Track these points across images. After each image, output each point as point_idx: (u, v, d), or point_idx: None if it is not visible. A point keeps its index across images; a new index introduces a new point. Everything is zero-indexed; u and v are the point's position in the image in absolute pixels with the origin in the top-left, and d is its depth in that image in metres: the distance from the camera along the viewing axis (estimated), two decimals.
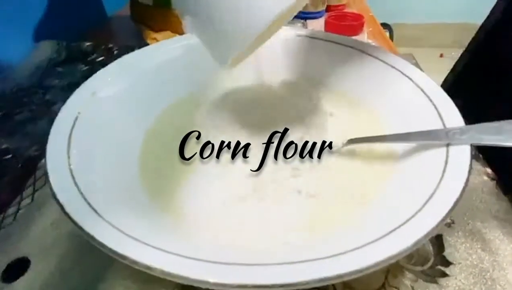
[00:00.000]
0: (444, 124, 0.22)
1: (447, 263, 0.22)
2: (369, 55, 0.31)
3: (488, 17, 0.39)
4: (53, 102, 0.39)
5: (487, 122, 0.20)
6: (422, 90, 0.26)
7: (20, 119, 0.36)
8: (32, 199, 0.27)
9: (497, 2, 0.39)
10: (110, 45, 0.51)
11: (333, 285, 0.21)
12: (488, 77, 0.39)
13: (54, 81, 0.43)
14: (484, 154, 0.30)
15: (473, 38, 0.41)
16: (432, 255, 0.22)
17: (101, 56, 0.49)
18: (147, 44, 0.48)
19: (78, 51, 0.50)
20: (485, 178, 0.27)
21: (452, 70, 0.45)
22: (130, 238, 0.16)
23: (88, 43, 0.51)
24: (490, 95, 0.37)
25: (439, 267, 0.21)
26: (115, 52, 0.50)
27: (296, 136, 0.28)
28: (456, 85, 0.43)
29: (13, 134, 0.34)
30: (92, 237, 0.15)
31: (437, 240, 0.23)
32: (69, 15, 0.57)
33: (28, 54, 0.48)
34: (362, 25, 0.54)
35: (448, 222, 0.24)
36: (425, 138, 0.22)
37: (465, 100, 0.25)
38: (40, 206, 0.26)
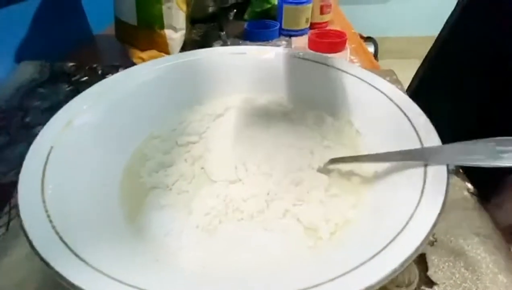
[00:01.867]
0: (421, 143, 0.23)
1: (431, 284, 0.21)
2: (350, 74, 0.32)
3: (443, 26, 0.42)
4: (33, 125, 0.38)
5: (463, 141, 0.21)
6: (401, 109, 0.26)
7: None
8: (7, 229, 0.26)
9: (452, 12, 0.42)
10: (94, 65, 0.50)
11: None
12: (445, 81, 0.42)
13: (36, 103, 0.43)
14: (464, 168, 0.30)
15: (432, 46, 0.44)
16: (417, 275, 0.22)
17: (85, 76, 0.48)
18: (133, 64, 0.48)
19: (62, 71, 0.50)
20: (466, 193, 0.28)
21: (414, 77, 0.47)
22: (105, 276, 0.15)
23: (71, 64, 0.51)
24: (446, 100, 0.39)
25: (424, 287, 0.21)
26: (100, 71, 0.49)
27: (278, 156, 0.28)
28: (418, 90, 0.45)
29: None
30: (62, 276, 0.14)
31: (421, 260, 0.23)
32: (53, 35, 0.56)
33: (9, 75, 0.48)
34: (344, 42, 0.55)
35: (431, 240, 0.24)
36: (403, 158, 0.22)
37: (425, 105, 0.26)
38: (15, 237, 0.25)
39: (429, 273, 0.22)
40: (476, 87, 0.37)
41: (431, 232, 0.16)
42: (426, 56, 0.46)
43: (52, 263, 0.15)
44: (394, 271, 0.15)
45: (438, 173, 0.20)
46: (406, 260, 0.15)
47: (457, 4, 0.42)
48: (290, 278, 0.17)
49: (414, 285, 0.21)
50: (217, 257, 0.20)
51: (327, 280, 0.15)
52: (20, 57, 0.51)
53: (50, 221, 0.17)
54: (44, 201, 0.18)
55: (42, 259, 0.15)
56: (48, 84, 0.47)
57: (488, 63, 0.35)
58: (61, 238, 0.16)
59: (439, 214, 0.17)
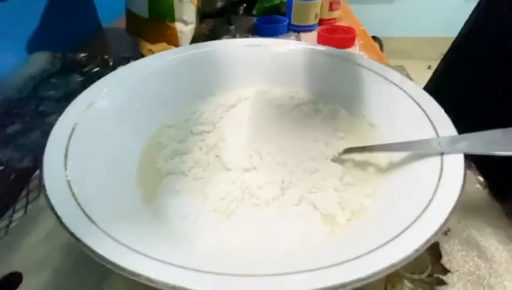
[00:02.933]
0: (437, 134, 0.23)
1: (445, 271, 0.22)
2: (364, 67, 0.32)
3: (463, 27, 0.42)
4: (47, 114, 0.39)
5: (479, 131, 0.21)
6: (415, 101, 0.26)
7: (13, 131, 0.36)
8: (25, 212, 0.26)
9: (470, 15, 0.42)
10: (106, 56, 0.51)
11: None
12: (463, 80, 0.42)
13: (49, 92, 0.43)
14: (476, 162, 0.30)
15: (450, 47, 0.45)
16: (430, 263, 0.22)
17: (96, 67, 0.49)
18: (143, 56, 0.48)
19: (73, 62, 0.50)
20: (478, 186, 0.28)
21: (432, 76, 0.48)
22: (129, 249, 0.15)
23: (83, 54, 0.51)
24: (465, 97, 0.40)
25: (437, 275, 0.22)
26: (111, 63, 0.50)
27: (292, 146, 0.28)
28: (436, 89, 0.46)
29: (5, 146, 0.33)
30: (91, 249, 0.15)
31: (434, 249, 0.23)
32: (64, 26, 0.57)
33: (22, 65, 0.48)
34: (354, 38, 0.56)
35: (445, 230, 0.24)
36: (419, 148, 0.23)
37: (443, 103, 0.26)
38: (33, 219, 0.25)
39: (443, 261, 0.22)
40: (496, 82, 0.37)
41: (449, 219, 0.17)
42: (445, 54, 0.46)
43: (81, 237, 0.15)
44: (409, 256, 0.15)
45: (455, 162, 0.20)
46: (421, 246, 0.16)
47: (478, 3, 0.42)
48: (307, 260, 0.18)
49: (428, 273, 0.22)
50: (234, 241, 0.21)
51: (342, 261, 0.15)
52: (32, 48, 0.51)
53: (75, 199, 0.17)
54: (68, 180, 0.18)
55: (70, 233, 0.15)
56: (60, 74, 0.47)
57: (509, 57, 0.35)
58: (86, 214, 0.16)
59: (457, 202, 0.18)
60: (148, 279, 0.14)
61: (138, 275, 0.14)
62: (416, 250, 0.15)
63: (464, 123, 0.25)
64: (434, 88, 0.49)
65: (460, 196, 0.18)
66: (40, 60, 0.49)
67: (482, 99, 0.38)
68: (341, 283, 0.14)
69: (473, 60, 0.41)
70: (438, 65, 0.48)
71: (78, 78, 0.47)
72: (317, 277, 0.14)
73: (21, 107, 0.40)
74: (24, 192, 0.27)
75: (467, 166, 0.30)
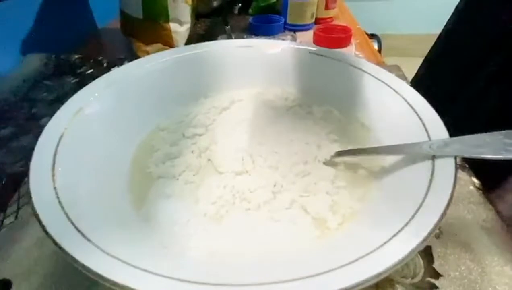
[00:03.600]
0: (429, 136, 0.23)
1: (437, 275, 0.22)
2: (358, 68, 0.32)
3: (446, 25, 0.43)
4: (40, 116, 0.39)
5: (470, 134, 0.21)
6: (408, 103, 0.26)
7: (5, 134, 0.35)
8: (16, 217, 0.26)
9: (454, 11, 0.42)
10: (100, 58, 0.50)
11: None
12: (445, 77, 0.43)
13: (42, 95, 0.43)
14: (470, 164, 0.30)
15: (434, 43, 0.45)
16: (422, 267, 0.22)
17: (90, 69, 0.49)
18: (138, 57, 0.48)
19: (67, 63, 0.50)
20: (472, 188, 0.28)
21: (422, 63, 0.48)
22: (116, 259, 0.15)
23: (77, 56, 0.51)
24: (447, 94, 0.40)
25: (429, 279, 0.22)
26: (105, 64, 0.49)
27: (285, 149, 0.28)
28: (424, 76, 0.46)
29: None
30: (76, 260, 0.15)
31: (426, 252, 0.23)
32: (58, 28, 0.56)
33: (16, 67, 0.48)
34: (350, 37, 0.55)
35: (437, 233, 0.24)
36: (411, 151, 0.22)
37: (429, 86, 0.26)
38: (24, 224, 0.25)
39: (435, 265, 0.22)
40: (484, 69, 0.37)
41: (439, 222, 0.17)
42: (434, 43, 0.46)
43: (66, 248, 0.15)
44: (401, 260, 0.15)
45: (446, 165, 0.20)
46: (412, 251, 0.16)
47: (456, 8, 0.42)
48: (297, 266, 0.17)
49: (420, 277, 0.22)
50: (225, 246, 0.21)
51: (333, 268, 0.15)
52: (26, 49, 0.51)
53: (62, 207, 0.17)
54: (55, 187, 0.18)
55: (55, 242, 0.15)
56: (54, 76, 0.47)
57: (496, 42, 0.35)
58: (73, 223, 0.16)
59: (447, 206, 0.17)
60: None
61: (126, 287, 0.14)
62: (404, 258, 0.15)
63: (450, 114, 0.25)
64: (422, 75, 0.49)
65: (450, 200, 0.17)
66: (34, 62, 0.49)
67: (468, 89, 0.38)
68: None
69: (461, 44, 0.42)
70: (426, 56, 0.49)
71: (72, 80, 0.46)
72: (305, 286, 0.14)
73: (14, 110, 0.40)
74: (15, 197, 0.27)
75: (461, 167, 0.30)
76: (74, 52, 0.53)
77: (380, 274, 0.15)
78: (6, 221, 0.26)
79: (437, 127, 0.23)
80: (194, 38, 0.55)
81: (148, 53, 0.51)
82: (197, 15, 0.58)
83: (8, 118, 0.38)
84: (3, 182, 0.29)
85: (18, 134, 0.36)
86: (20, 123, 0.38)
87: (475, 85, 0.37)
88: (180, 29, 0.51)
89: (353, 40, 0.56)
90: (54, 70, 0.48)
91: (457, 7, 0.43)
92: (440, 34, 0.45)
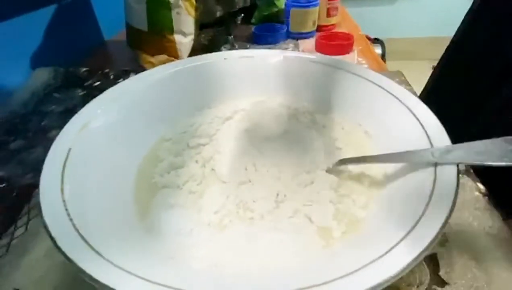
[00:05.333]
0: (431, 144, 0.23)
1: (443, 283, 0.22)
2: (359, 76, 0.32)
3: (457, 30, 0.42)
4: (49, 128, 0.40)
5: (472, 141, 0.21)
6: (410, 110, 0.26)
7: (15, 147, 0.36)
8: (26, 229, 0.27)
9: (464, 16, 0.42)
10: (107, 70, 0.52)
11: None
12: (458, 83, 0.42)
13: (51, 107, 0.44)
14: (475, 169, 0.30)
15: (445, 50, 0.45)
16: (428, 275, 0.22)
17: (97, 81, 0.50)
18: (144, 68, 0.49)
19: (75, 76, 0.51)
20: (477, 193, 0.28)
21: (429, 80, 0.48)
22: (124, 272, 0.15)
23: (84, 69, 0.52)
24: (458, 104, 0.40)
25: (435, 287, 0.21)
26: (111, 76, 0.51)
27: (288, 158, 0.28)
28: (431, 93, 0.46)
29: (7, 162, 0.34)
30: (85, 272, 0.15)
31: (432, 260, 0.23)
32: (66, 41, 0.58)
33: (25, 80, 0.49)
34: (352, 44, 0.56)
35: (442, 240, 0.24)
36: (413, 159, 0.22)
37: (439, 107, 0.26)
38: (34, 236, 0.26)
39: (441, 273, 0.22)
40: (485, 93, 0.37)
41: (441, 231, 0.17)
42: (440, 59, 0.46)
43: (75, 260, 0.15)
44: (404, 269, 0.15)
45: (448, 173, 0.20)
46: (415, 259, 0.16)
47: (469, 10, 0.42)
48: (301, 275, 0.18)
49: (426, 285, 0.21)
50: (229, 255, 0.21)
51: (336, 277, 0.15)
52: (35, 63, 0.52)
53: (71, 220, 0.18)
54: (64, 201, 0.19)
55: (65, 255, 0.15)
56: (62, 89, 0.48)
57: (495, 71, 0.35)
58: (81, 236, 0.17)
59: (450, 214, 0.17)
60: None
61: None
62: (406, 267, 0.15)
63: (459, 128, 0.25)
64: (429, 92, 0.49)
65: (452, 208, 0.17)
66: (43, 75, 0.51)
67: (475, 105, 0.38)
68: None
69: (468, 58, 0.41)
70: (436, 67, 0.48)
71: (80, 92, 0.48)
72: None
73: (24, 122, 0.41)
74: (25, 209, 0.28)
75: (465, 173, 0.30)
76: (81, 64, 0.54)
77: (382, 283, 0.15)
78: (17, 233, 0.26)
79: (439, 134, 0.23)
80: (198, 48, 0.56)
81: (153, 64, 0.52)
82: (200, 26, 0.59)
83: (18, 130, 0.39)
84: (14, 194, 0.30)
85: (28, 146, 0.37)
86: (30, 135, 0.39)
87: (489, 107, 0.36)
88: (184, 40, 0.53)
89: (355, 47, 0.56)
90: (62, 83, 0.49)
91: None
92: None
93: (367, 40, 0.65)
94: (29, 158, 0.35)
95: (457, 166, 0.20)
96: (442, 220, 0.17)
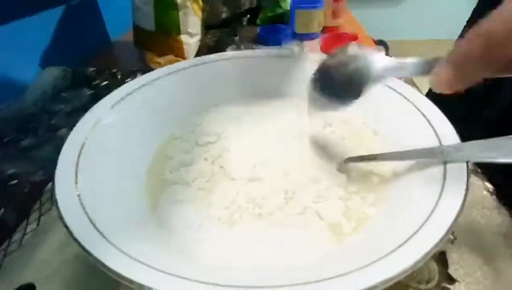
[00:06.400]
0: (440, 142, 0.23)
1: (452, 281, 0.22)
2: None
3: (461, 32, 0.43)
4: (58, 127, 0.40)
5: (482, 139, 0.21)
6: (418, 108, 0.27)
7: (26, 145, 0.37)
8: (38, 224, 0.27)
9: (468, 18, 0.42)
10: (114, 70, 0.52)
11: None
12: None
13: (60, 106, 0.45)
14: (483, 168, 0.30)
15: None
16: (437, 272, 0.22)
17: (105, 81, 0.50)
18: (151, 68, 0.49)
19: (83, 76, 0.52)
20: (485, 192, 0.28)
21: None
22: (137, 262, 0.16)
23: (92, 68, 0.53)
24: (465, 102, 0.40)
25: (444, 284, 0.21)
26: (119, 76, 0.51)
27: (296, 155, 0.28)
28: (437, 94, 0.46)
29: (18, 160, 0.34)
30: (100, 262, 0.15)
31: (441, 257, 0.23)
32: (73, 41, 0.59)
33: (34, 80, 0.50)
34: None
35: (451, 238, 0.24)
36: (421, 156, 0.23)
37: (444, 107, 0.26)
38: (46, 231, 0.26)
39: (450, 270, 0.22)
40: (489, 92, 0.37)
41: (451, 228, 0.17)
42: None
43: (92, 251, 0.15)
44: (412, 266, 0.15)
45: (458, 171, 0.20)
46: (424, 256, 0.16)
47: (473, 12, 0.42)
48: (311, 270, 0.18)
49: (435, 282, 0.22)
50: (239, 251, 0.21)
51: (344, 273, 0.16)
52: (44, 62, 0.53)
53: (85, 212, 0.18)
54: (78, 194, 0.19)
55: (81, 247, 0.16)
56: (71, 88, 0.49)
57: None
58: (95, 226, 0.17)
59: (460, 211, 0.18)
60: None
61: (145, 287, 0.15)
62: (415, 263, 0.15)
63: (470, 125, 0.25)
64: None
65: (462, 206, 0.18)
66: (52, 75, 0.51)
67: (483, 103, 0.38)
68: None
69: None
70: None
71: (88, 92, 0.48)
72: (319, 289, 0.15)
73: (34, 121, 0.42)
74: (37, 205, 0.28)
75: (473, 172, 0.30)
76: (89, 64, 0.55)
77: (390, 279, 0.15)
78: (29, 228, 0.27)
79: (448, 132, 0.23)
80: (204, 49, 0.57)
81: (160, 64, 0.52)
82: (206, 27, 0.60)
83: (28, 129, 0.40)
84: (26, 190, 0.30)
85: (37, 144, 0.37)
86: (40, 134, 0.39)
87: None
88: (190, 41, 0.53)
89: None
90: (71, 83, 0.50)
91: None
92: None
93: (372, 41, 0.65)
94: (39, 156, 0.35)
95: (467, 163, 0.20)
96: (453, 217, 0.17)
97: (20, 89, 0.47)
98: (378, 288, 0.15)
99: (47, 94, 0.47)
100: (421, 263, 0.15)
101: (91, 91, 0.48)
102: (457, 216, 0.17)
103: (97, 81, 0.50)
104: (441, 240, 0.16)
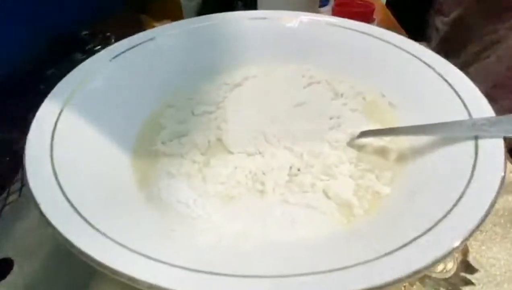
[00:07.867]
0: (470, 115, 0.20)
1: (472, 270, 0.19)
2: (383, 40, 0.29)
3: None
4: (47, 92, 0.37)
5: None
6: (444, 78, 0.23)
7: (12, 110, 0.35)
8: (20, 195, 0.25)
9: None
10: (108, 34, 0.49)
11: None
12: None
13: (50, 71, 0.42)
14: (509, 149, 0.27)
15: None
16: (456, 261, 0.20)
17: (98, 45, 0.47)
18: None
19: (76, 40, 0.48)
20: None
21: None
22: (117, 245, 0.14)
23: (85, 32, 0.49)
24: None
25: (463, 274, 0.19)
26: (113, 40, 0.48)
27: (301, 129, 0.26)
28: None
29: (1, 125, 0.32)
30: (78, 249, 0.13)
31: None
32: (67, 4, 0.55)
33: (25, 43, 0.47)
34: (372, 12, 0.51)
35: None
36: (448, 131, 0.20)
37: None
38: (27, 202, 0.24)
39: (469, 258, 0.20)
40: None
41: (487, 214, 0.14)
42: None
43: (64, 232, 0.13)
44: (429, 265, 0.13)
45: (493, 147, 0.17)
46: (452, 250, 0.13)
47: None
48: (320, 256, 0.16)
49: (453, 271, 0.19)
50: (235, 230, 0.19)
51: (360, 262, 0.13)
52: (35, 27, 0.50)
53: (61, 189, 0.16)
54: (53, 164, 0.17)
55: (52, 227, 0.14)
56: (62, 52, 0.46)
57: None
58: (73, 207, 0.15)
59: (496, 196, 0.15)
60: (131, 278, 0.12)
61: (133, 279, 0.12)
62: (438, 259, 0.13)
63: None
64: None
65: (499, 189, 0.15)
66: (43, 39, 0.48)
67: None
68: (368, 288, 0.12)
69: None
70: None
71: (80, 56, 0.45)
72: (324, 281, 0.12)
73: (23, 85, 0.39)
74: (18, 175, 0.26)
75: None
76: (83, 29, 0.51)
77: (415, 272, 0.12)
78: (10, 199, 0.25)
79: (479, 104, 0.20)
80: (203, 14, 0.53)
81: None
82: None
83: (16, 93, 0.37)
84: (7, 159, 0.28)
85: (24, 110, 0.35)
86: (28, 98, 0.37)
87: None
88: (189, 4, 0.49)
89: (375, 16, 0.52)
90: (63, 47, 0.47)
91: None
92: None
93: (388, 10, 0.60)
94: (25, 123, 0.33)
95: (504, 139, 0.17)
96: (490, 200, 0.14)
97: (10, 53, 0.44)
98: (390, 285, 0.12)
99: (37, 58, 0.44)
100: (447, 258, 0.13)
101: (84, 56, 0.45)
102: (493, 203, 0.15)
103: (90, 45, 0.47)
104: (470, 233, 0.14)
